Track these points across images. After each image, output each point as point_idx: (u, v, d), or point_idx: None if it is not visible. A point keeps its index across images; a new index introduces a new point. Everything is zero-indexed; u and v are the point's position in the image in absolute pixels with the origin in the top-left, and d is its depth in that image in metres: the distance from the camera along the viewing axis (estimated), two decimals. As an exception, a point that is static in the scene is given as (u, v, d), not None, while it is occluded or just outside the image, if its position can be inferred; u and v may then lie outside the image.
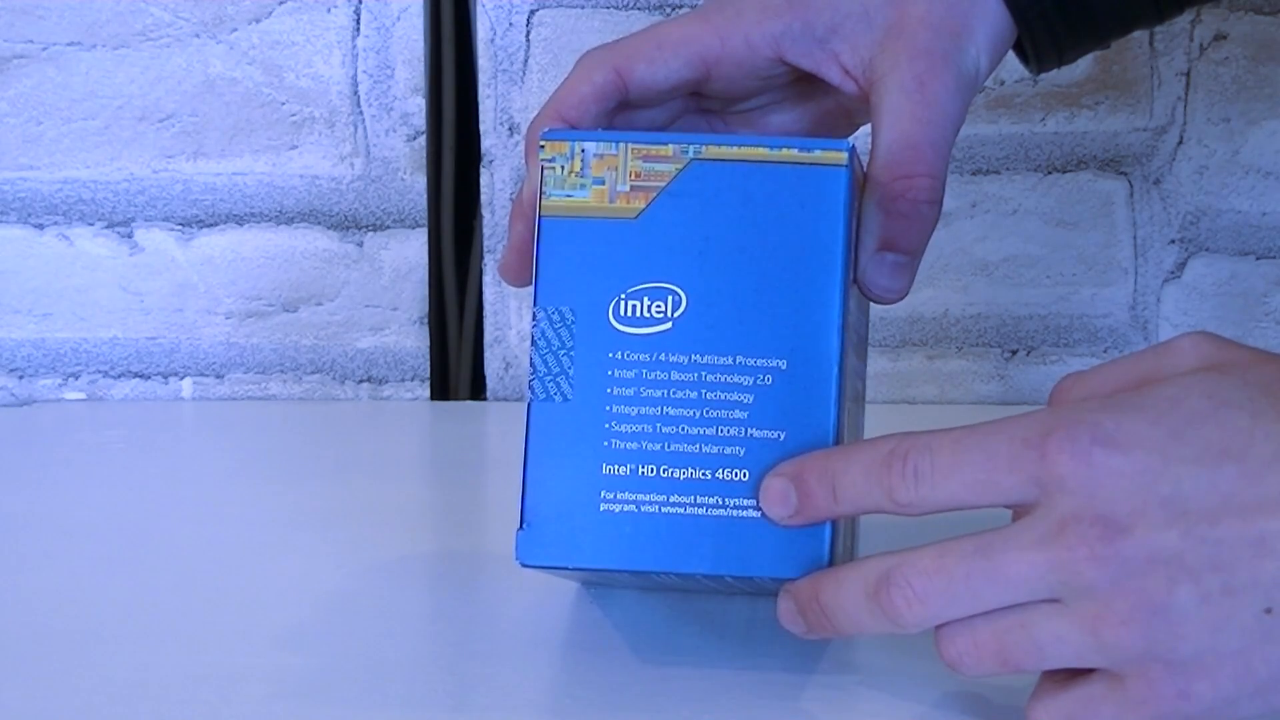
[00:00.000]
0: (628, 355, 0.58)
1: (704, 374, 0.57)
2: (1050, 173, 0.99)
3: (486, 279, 1.02)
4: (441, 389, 1.03)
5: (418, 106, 1.00)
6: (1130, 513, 0.49)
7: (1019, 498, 0.51)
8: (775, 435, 0.57)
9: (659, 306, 0.58)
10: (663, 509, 0.57)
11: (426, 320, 1.02)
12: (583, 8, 0.99)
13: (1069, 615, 0.50)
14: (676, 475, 0.57)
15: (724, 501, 0.57)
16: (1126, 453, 0.50)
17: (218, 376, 1.02)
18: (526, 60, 1.00)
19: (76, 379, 1.02)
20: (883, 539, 0.57)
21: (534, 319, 0.58)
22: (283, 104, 1.00)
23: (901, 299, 0.62)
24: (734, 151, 0.58)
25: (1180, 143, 0.98)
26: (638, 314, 0.58)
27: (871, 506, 0.54)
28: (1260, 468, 0.49)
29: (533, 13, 0.99)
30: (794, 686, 0.58)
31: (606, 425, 0.58)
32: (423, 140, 1.00)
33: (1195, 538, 0.49)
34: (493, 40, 1.00)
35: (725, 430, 0.57)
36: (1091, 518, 0.50)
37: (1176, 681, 0.49)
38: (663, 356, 0.58)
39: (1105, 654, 0.50)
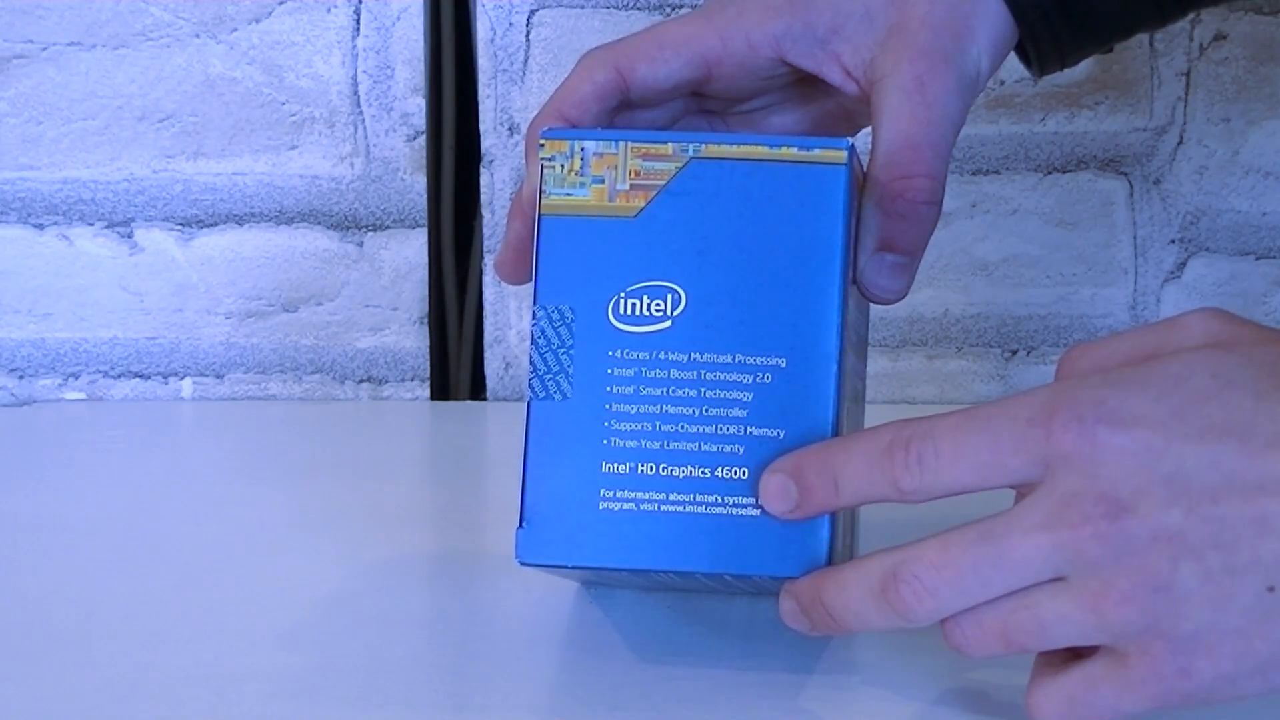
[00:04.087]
0: (627, 354, 0.58)
1: (703, 372, 0.57)
2: (1050, 173, 0.99)
3: (486, 279, 1.02)
4: (441, 389, 1.03)
5: (418, 106, 1.00)
6: (1133, 491, 0.50)
7: (1024, 477, 0.51)
8: (775, 434, 0.57)
9: (658, 305, 0.58)
10: (662, 507, 0.57)
11: (426, 320, 1.02)
12: (583, 8, 0.99)
13: (1072, 594, 0.50)
14: (676, 474, 0.57)
15: (723, 500, 0.57)
16: (1129, 430, 0.50)
17: (218, 376, 1.02)
18: (526, 60, 1.00)
19: (76, 379, 1.02)
20: (884, 532, 0.57)
21: (533, 317, 0.58)
22: (283, 104, 1.00)
23: (901, 299, 0.62)
24: (733, 150, 0.58)
25: (1180, 143, 0.98)
26: (637, 312, 0.58)
27: (875, 496, 0.54)
28: (1262, 447, 0.49)
29: (533, 13, 0.99)
30: (794, 686, 0.58)
31: (606, 424, 0.58)
32: (423, 140, 1.00)
33: (1197, 516, 0.49)
34: (493, 40, 1.00)
35: (725, 429, 0.57)
36: (1095, 496, 0.50)
37: (1178, 659, 0.50)
38: (662, 355, 0.58)
39: (1107, 632, 0.50)
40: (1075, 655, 0.52)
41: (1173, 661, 0.50)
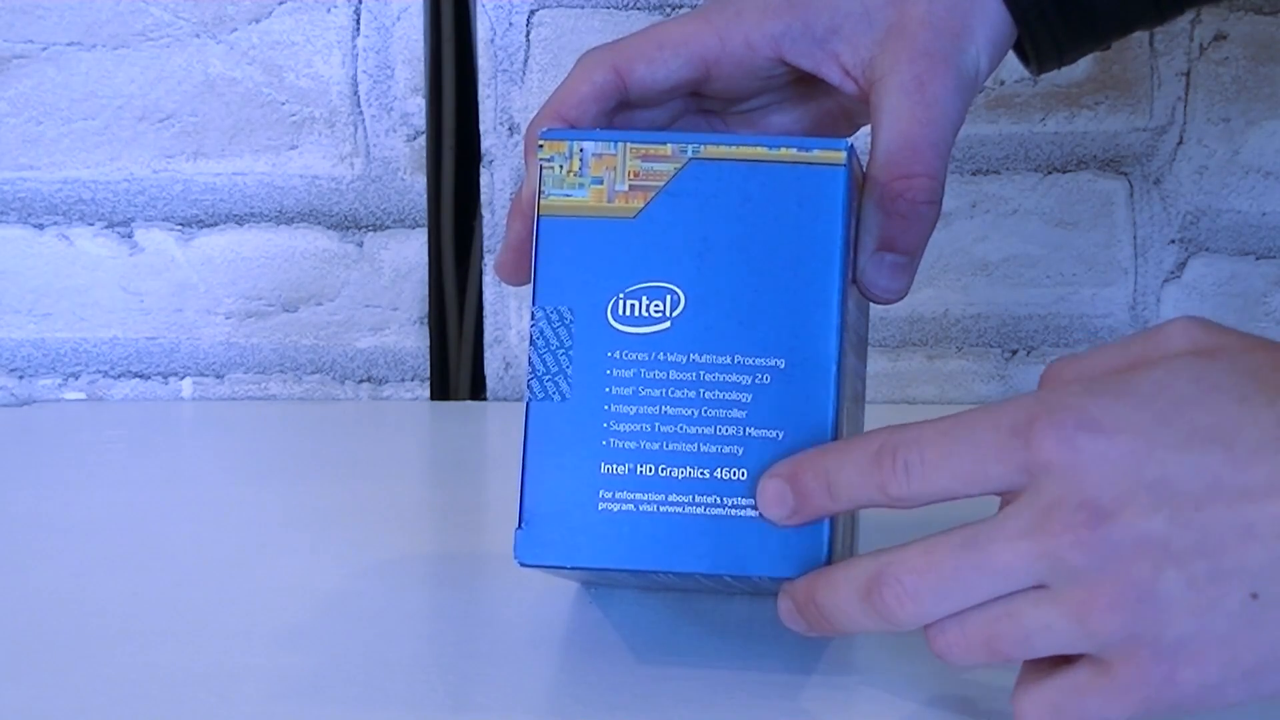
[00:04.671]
0: (626, 355, 0.58)
1: (702, 373, 0.57)
2: (1050, 173, 0.99)
3: (486, 279, 1.02)
4: (441, 389, 1.03)
5: (418, 106, 1.00)
6: (1116, 498, 0.49)
7: (1006, 485, 0.51)
8: (774, 435, 0.57)
9: (657, 306, 0.58)
10: (661, 508, 0.57)
11: (426, 320, 1.02)
12: (583, 8, 0.99)
13: (1056, 602, 0.50)
14: (675, 474, 0.57)
15: (722, 501, 0.57)
16: (1112, 437, 0.50)
17: (218, 376, 1.02)
18: (526, 60, 1.00)
19: (76, 379, 1.02)
20: (884, 534, 0.57)
21: (533, 318, 0.58)
22: (283, 104, 1.00)
23: (901, 299, 0.62)
24: (732, 151, 0.58)
25: (1180, 143, 0.98)
26: (636, 313, 0.58)
27: (866, 502, 0.54)
28: (1247, 453, 0.49)
29: (533, 13, 0.99)
30: (794, 686, 0.58)
31: (605, 424, 0.58)
32: (423, 140, 1.00)
33: (1181, 523, 0.49)
34: (493, 40, 1.00)
35: (724, 429, 0.57)
36: (1077, 503, 0.50)
37: (1162, 667, 0.49)
38: (661, 356, 0.58)
39: (1092, 640, 0.50)
40: (1062, 660, 0.52)
41: (1157, 669, 0.49)
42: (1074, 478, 0.50)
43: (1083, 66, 0.97)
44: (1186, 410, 0.50)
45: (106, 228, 1.01)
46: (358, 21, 1.00)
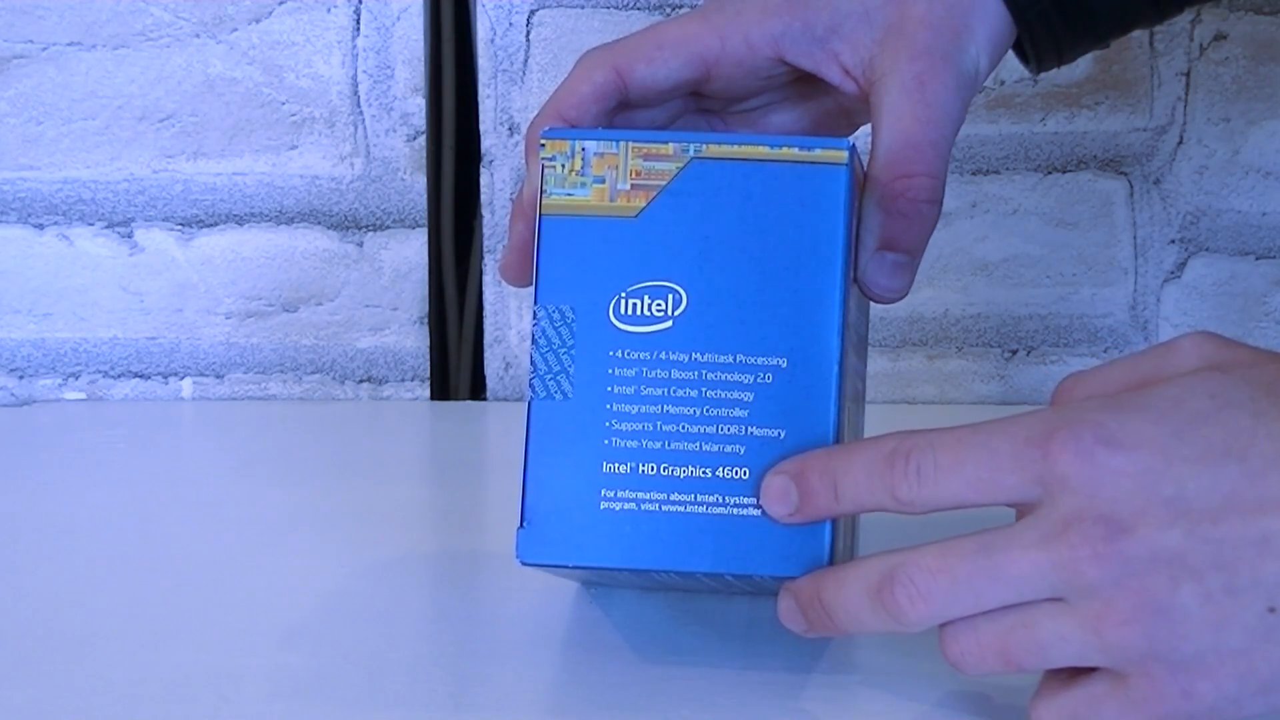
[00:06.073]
0: (628, 354, 0.58)
1: (704, 372, 0.57)
2: (1050, 173, 0.99)
3: (486, 279, 1.02)
4: (441, 389, 1.03)
5: (418, 106, 1.00)
6: (1133, 512, 0.50)
7: (1021, 497, 0.51)
8: (775, 434, 0.57)
9: (659, 305, 0.58)
10: (663, 507, 0.57)
11: (426, 320, 1.02)
12: (583, 8, 0.99)
13: (1071, 614, 0.50)
14: (677, 474, 0.57)
15: (724, 500, 0.57)
16: (1129, 452, 0.50)
17: (218, 376, 1.02)
18: (526, 60, 1.00)
19: (76, 379, 1.02)
20: (883, 538, 0.57)
21: (534, 317, 0.58)
22: (283, 104, 1.00)
23: (902, 298, 0.62)
24: (734, 150, 0.58)
25: (1180, 143, 0.98)
26: (638, 312, 0.58)
27: (873, 505, 0.54)
28: (1263, 467, 0.49)
29: (533, 13, 0.99)
30: (794, 686, 0.58)
31: (607, 424, 0.58)
32: (423, 140, 1.00)
33: (1198, 537, 0.49)
34: (493, 40, 1.00)
35: (725, 429, 0.57)
36: (1094, 517, 0.50)
37: (1179, 681, 0.49)
38: (663, 355, 0.58)
39: (1107, 653, 0.50)
40: (1081, 672, 0.52)
41: (1174, 683, 0.50)
42: (1091, 491, 0.50)
43: (1083, 66, 0.97)
44: (1202, 425, 0.50)
45: (106, 228, 1.01)
46: (358, 21, 1.00)
